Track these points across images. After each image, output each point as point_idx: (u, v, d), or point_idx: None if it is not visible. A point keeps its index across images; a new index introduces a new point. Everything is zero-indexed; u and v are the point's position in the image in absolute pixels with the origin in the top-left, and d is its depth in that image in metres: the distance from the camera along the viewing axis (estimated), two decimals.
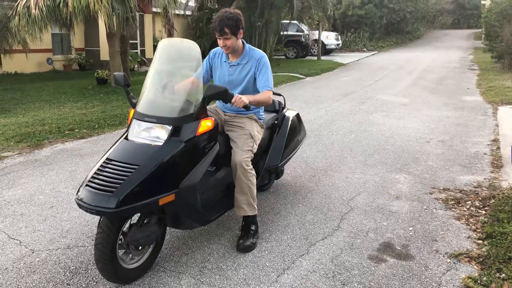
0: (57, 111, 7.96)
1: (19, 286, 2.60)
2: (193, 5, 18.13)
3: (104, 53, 13.93)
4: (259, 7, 15.89)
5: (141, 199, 2.29)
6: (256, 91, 3.11)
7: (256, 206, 3.09)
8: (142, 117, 2.56)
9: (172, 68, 2.82)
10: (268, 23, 16.76)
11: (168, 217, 2.67)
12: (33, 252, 2.99)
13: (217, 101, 3.34)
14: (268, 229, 3.39)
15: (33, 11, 9.51)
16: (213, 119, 2.70)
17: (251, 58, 3.11)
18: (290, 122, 3.74)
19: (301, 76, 14.16)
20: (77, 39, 15.30)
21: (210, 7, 17.54)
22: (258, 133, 3.18)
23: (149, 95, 2.69)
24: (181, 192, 2.46)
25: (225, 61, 3.19)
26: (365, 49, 26.91)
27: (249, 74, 3.11)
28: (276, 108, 3.79)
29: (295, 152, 3.95)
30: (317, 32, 20.59)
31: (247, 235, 3.07)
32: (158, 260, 2.86)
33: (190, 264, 2.87)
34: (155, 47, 17.24)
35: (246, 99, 2.77)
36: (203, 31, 17.75)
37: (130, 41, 12.90)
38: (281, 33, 18.97)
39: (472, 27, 44.19)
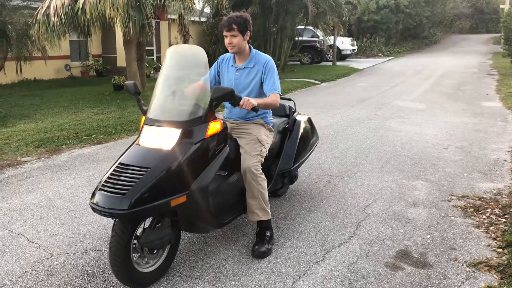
0: (74, 117, 8.09)
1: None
2: (208, 12, 18.27)
3: (121, 60, 14.13)
4: (274, 13, 15.94)
5: (153, 200, 2.33)
6: (262, 95, 3.11)
7: (269, 211, 3.06)
8: (153, 122, 2.62)
9: (181, 74, 2.87)
10: (283, 29, 16.79)
11: (181, 220, 2.69)
12: (51, 256, 3.03)
13: (225, 109, 3.35)
14: (283, 235, 3.37)
15: (52, 19, 9.72)
16: (222, 121, 2.75)
17: (258, 62, 3.12)
18: (301, 126, 3.77)
19: (316, 81, 14.13)
20: (95, 46, 15.58)
21: (225, 14, 17.66)
22: (267, 137, 3.18)
23: (159, 101, 2.74)
24: (193, 193, 2.50)
25: (232, 65, 3.20)
26: (381, 54, 26.74)
27: (256, 78, 3.12)
28: (286, 113, 3.81)
29: (308, 156, 3.94)
30: (332, 37, 20.54)
31: (262, 241, 3.06)
32: (173, 265, 2.87)
33: (205, 269, 2.87)
34: None
35: (254, 101, 2.78)
36: (218, 38, 17.86)
37: (146, 48, 13.06)
38: (296, 38, 18.98)
39: (490, 32, 43.51)
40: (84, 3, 9.32)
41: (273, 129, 3.33)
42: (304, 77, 14.66)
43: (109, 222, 3.48)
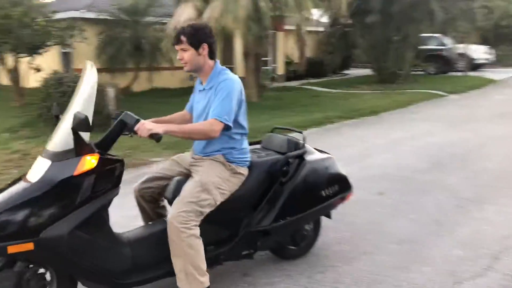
0: None
1: None
2: (326, 21, 18.08)
3: (239, 70, 14.65)
4: (396, 21, 15.09)
5: None
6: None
7: (203, 280, 2.27)
8: (42, 153, 2.25)
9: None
10: (406, 37, 15.80)
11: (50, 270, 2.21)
12: None
13: (194, 142, 2.61)
14: (408, 258, 3.05)
15: None
16: (100, 156, 2.14)
17: (215, 82, 2.42)
18: (307, 170, 2.75)
19: (443, 93, 12.93)
20: (218, 57, 16.43)
21: (343, 23, 17.28)
22: (222, 179, 2.41)
23: (57, 127, 2.32)
24: (42, 242, 2.02)
25: (198, 86, 2.61)
26: None
27: (210, 102, 2.42)
28: (288, 149, 2.79)
29: (315, 216, 2.94)
30: (462, 45, 18.73)
31: None
32: None
33: None
34: (287, 64, 17.70)
35: (155, 126, 2.13)
36: (335, 47, 17.56)
37: (263, 58, 13.32)
38: (420, 47, 17.72)
39: None
40: (208, 18, 9.84)
41: (240, 170, 2.50)
42: (429, 88, 13.51)
43: None
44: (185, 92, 15.55)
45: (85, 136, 2.11)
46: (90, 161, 2.09)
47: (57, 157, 2.12)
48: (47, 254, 2.08)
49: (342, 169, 3.00)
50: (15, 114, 9.18)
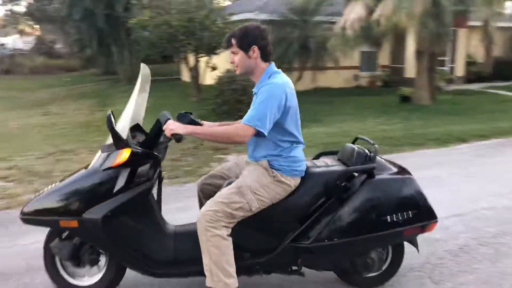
0: (359, 125, 8.14)
1: None
2: None
3: (409, 71, 13.61)
4: None
5: (44, 215, 2.37)
6: (276, 128, 2.31)
7: (228, 282, 2.21)
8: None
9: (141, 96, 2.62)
10: None
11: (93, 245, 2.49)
12: None
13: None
14: None
15: (347, 31, 10.18)
16: (133, 150, 2.32)
17: (261, 86, 2.31)
18: (373, 189, 2.38)
19: None
20: (383, 57, 15.55)
21: None
22: (261, 186, 2.30)
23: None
24: (84, 221, 2.31)
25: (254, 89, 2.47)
26: None
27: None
28: (356, 162, 2.46)
29: (374, 243, 2.45)
30: None
31: None
32: None
33: None
34: (468, 64, 15.77)
35: (179, 127, 2.23)
36: None
37: (438, 58, 12.09)
38: None
39: None
40: (379, 15, 9.36)
41: (285, 180, 2.33)
42: None
43: None
44: (348, 92, 15.39)
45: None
46: (124, 155, 2.31)
47: (104, 150, 2.40)
48: (88, 233, 2.35)
49: (423, 194, 2.45)
50: (192, 108, 10.16)
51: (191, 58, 11.40)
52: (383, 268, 2.57)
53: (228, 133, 2.25)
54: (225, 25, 10.58)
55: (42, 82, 18.96)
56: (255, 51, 2.31)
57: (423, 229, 2.46)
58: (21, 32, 30.55)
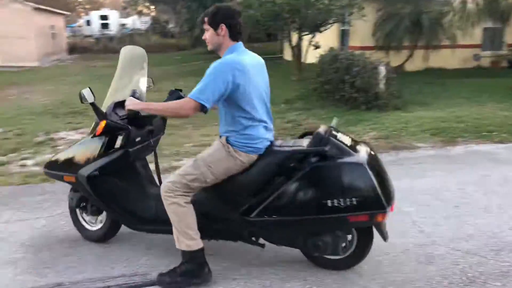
0: (476, 110, 7.41)
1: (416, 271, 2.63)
2: None
3: None
4: None
5: (55, 169, 2.99)
6: (231, 106, 2.42)
7: (189, 244, 2.49)
8: None
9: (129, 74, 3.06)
10: None
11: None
12: (433, 244, 2.95)
13: None
14: None
15: (468, 5, 9.30)
16: (107, 121, 2.73)
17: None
18: (317, 172, 2.38)
19: None
20: (511, 33, 13.85)
21: None
22: (215, 159, 2.46)
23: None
24: (78, 177, 2.80)
25: None
26: None
27: None
28: (312, 144, 2.45)
29: (315, 226, 2.46)
30: None
31: (173, 271, 2.56)
32: None
33: None
34: None
35: (133, 103, 2.54)
36: None
37: None
38: None
39: None
40: None
41: (238, 155, 2.42)
42: None
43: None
44: (465, 74, 13.94)
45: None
46: (101, 125, 2.75)
47: (95, 120, 2.85)
48: (81, 188, 2.86)
49: (373, 182, 2.34)
50: (293, 87, 10.20)
51: (294, 36, 11.41)
52: (348, 252, 2.56)
53: (174, 108, 2.42)
54: (330, 2, 10.35)
55: (155, 59, 20.50)
56: (223, 29, 2.43)
57: (371, 218, 2.38)
58: (140, 13, 33.09)
